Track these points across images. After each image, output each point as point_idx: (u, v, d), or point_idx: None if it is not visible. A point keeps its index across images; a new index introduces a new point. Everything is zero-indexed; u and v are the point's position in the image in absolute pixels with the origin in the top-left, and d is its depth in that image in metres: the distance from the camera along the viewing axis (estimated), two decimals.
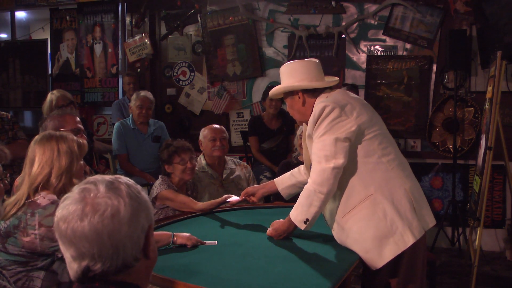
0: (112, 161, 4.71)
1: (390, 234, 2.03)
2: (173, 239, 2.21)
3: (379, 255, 2.05)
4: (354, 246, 2.11)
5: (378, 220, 2.04)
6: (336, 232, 2.20)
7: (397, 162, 2.14)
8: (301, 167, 2.55)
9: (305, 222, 2.08)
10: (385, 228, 2.03)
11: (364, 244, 2.07)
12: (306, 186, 2.11)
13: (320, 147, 2.07)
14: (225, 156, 3.52)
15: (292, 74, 2.26)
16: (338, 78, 2.36)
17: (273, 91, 2.36)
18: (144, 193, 1.14)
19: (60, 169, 2.02)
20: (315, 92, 2.23)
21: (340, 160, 2.03)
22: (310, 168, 2.19)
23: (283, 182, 2.58)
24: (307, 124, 2.27)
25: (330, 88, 2.26)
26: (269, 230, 2.32)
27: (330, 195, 2.08)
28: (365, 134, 2.09)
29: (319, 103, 2.13)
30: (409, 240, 2.03)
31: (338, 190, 2.12)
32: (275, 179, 2.64)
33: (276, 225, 2.31)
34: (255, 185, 2.76)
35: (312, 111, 2.18)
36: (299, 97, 2.24)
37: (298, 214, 2.11)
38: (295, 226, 2.17)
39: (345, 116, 2.07)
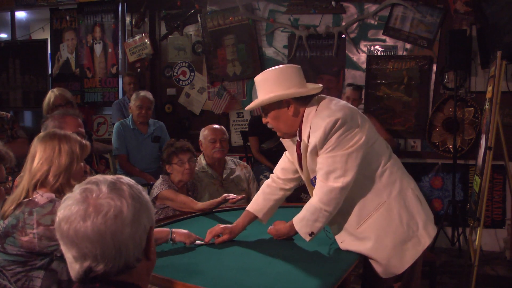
0: (112, 161, 4.71)
1: (408, 239, 2.03)
2: (172, 236, 2.19)
3: (400, 261, 2.04)
4: (373, 254, 2.07)
5: (396, 227, 2.03)
6: (346, 243, 2.13)
7: (397, 164, 2.13)
8: (269, 182, 2.38)
9: (310, 235, 2.06)
10: (404, 233, 2.03)
11: (385, 252, 2.04)
12: (311, 201, 2.05)
13: (329, 163, 1.97)
14: (225, 156, 3.52)
15: (277, 82, 2.05)
16: (321, 85, 2.18)
17: (256, 103, 2.10)
18: (145, 194, 1.13)
19: (59, 168, 2.01)
20: (305, 101, 2.07)
21: (348, 178, 1.96)
22: (311, 183, 2.14)
23: (261, 208, 2.34)
24: (290, 137, 2.15)
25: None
26: (271, 228, 2.31)
27: (335, 212, 2.03)
28: (370, 142, 2.03)
29: (326, 118, 1.97)
30: (426, 242, 2.04)
31: (348, 202, 2.06)
32: (249, 208, 2.35)
33: (278, 226, 2.29)
34: (227, 226, 2.33)
35: (300, 121, 2.07)
36: (288, 107, 2.06)
37: (303, 226, 2.07)
38: (296, 232, 2.14)
39: (354, 129, 1.98)
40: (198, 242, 2.26)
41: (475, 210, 3.65)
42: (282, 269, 1.94)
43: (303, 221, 2.07)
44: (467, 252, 3.97)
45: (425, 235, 2.04)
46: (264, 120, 2.16)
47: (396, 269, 2.06)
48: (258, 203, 2.35)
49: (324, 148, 1.98)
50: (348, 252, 2.11)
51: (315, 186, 2.06)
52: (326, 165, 1.98)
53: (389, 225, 2.03)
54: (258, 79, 2.12)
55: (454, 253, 4.58)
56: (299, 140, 2.14)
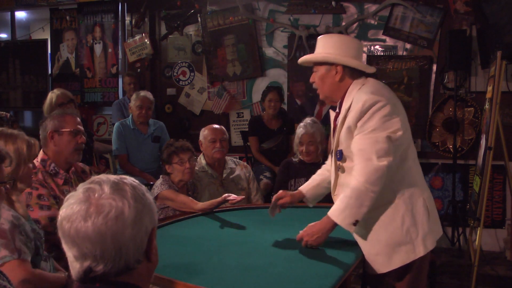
0: (112, 161, 4.71)
1: (403, 243, 2.02)
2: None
3: (388, 261, 2.04)
4: (363, 244, 2.09)
5: (395, 227, 2.02)
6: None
7: (418, 171, 2.13)
8: (321, 170, 2.44)
9: (354, 224, 1.97)
10: (401, 236, 2.02)
11: (375, 246, 2.05)
12: (354, 186, 1.96)
13: (372, 143, 1.94)
14: (225, 156, 3.52)
15: (337, 46, 2.09)
16: (375, 69, 2.22)
17: (310, 57, 2.17)
18: (148, 195, 1.12)
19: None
20: (354, 74, 2.09)
21: (391, 158, 1.93)
22: (336, 155, 2.11)
23: (306, 185, 2.43)
24: (331, 102, 2.18)
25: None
26: (300, 233, 2.14)
27: (379, 194, 1.97)
28: (405, 143, 2.02)
29: (369, 94, 1.98)
30: (420, 252, 2.02)
31: None
32: (300, 188, 2.45)
33: (310, 226, 2.13)
34: (287, 192, 2.44)
35: (344, 91, 2.08)
36: (336, 72, 2.08)
37: (346, 216, 1.96)
38: (332, 229, 2.05)
39: (395, 116, 1.97)
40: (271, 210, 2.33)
41: (475, 210, 3.65)
42: (283, 269, 1.94)
43: (346, 210, 1.96)
44: (467, 252, 3.97)
45: (421, 245, 2.02)
46: (311, 78, 2.20)
47: (381, 266, 2.06)
48: (307, 182, 2.45)
49: (364, 127, 1.96)
50: (348, 252, 2.11)
51: (355, 169, 1.98)
52: (369, 145, 1.95)
53: (389, 223, 2.03)
54: (321, 37, 2.18)
55: (454, 253, 4.58)
56: (338, 111, 2.15)
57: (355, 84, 2.08)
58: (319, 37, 2.20)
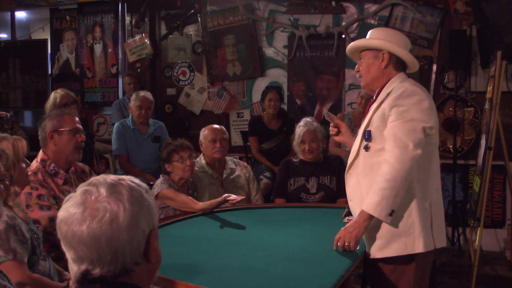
0: (112, 161, 4.71)
1: (404, 234, 2.02)
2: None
3: (383, 247, 2.05)
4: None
5: (400, 218, 2.02)
6: (355, 210, 2.13)
7: (438, 178, 2.13)
8: None
9: (390, 215, 1.97)
10: (403, 227, 2.02)
11: (377, 231, 2.06)
12: (390, 175, 1.94)
13: (409, 131, 1.96)
14: (225, 156, 3.52)
15: (389, 36, 2.13)
16: (418, 66, 2.25)
17: (359, 41, 2.19)
18: (147, 196, 1.11)
19: None
20: (398, 66, 2.13)
21: (423, 150, 1.96)
22: (363, 135, 2.11)
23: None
24: (370, 91, 2.19)
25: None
26: (338, 234, 2.10)
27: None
28: (432, 138, 2.04)
29: (412, 85, 2.03)
30: (418, 248, 2.02)
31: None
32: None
33: (348, 225, 2.09)
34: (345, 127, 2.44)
35: (386, 81, 2.11)
36: (383, 59, 2.11)
37: (383, 208, 1.95)
38: (369, 220, 2.01)
39: (433, 113, 2.01)
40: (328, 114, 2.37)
41: (475, 210, 3.65)
42: (283, 269, 1.94)
43: (382, 202, 1.95)
44: (467, 252, 3.97)
45: (421, 242, 2.02)
46: (356, 67, 2.22)
47: (376, 251, 2.07)
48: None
49: (403, 116, 1.98)
50: (349, 252, 2.10)
51: (389, 155, 1.97)
52: (407, 133, 1.96)
53: (397, 211, 2.00)
54: (372, 29, 2.22)
55: (454, 253, 4.58)
56: (374, 99, 2.17)
57: (397, 77, 2.11)
58: (370, 30, 2.23)
